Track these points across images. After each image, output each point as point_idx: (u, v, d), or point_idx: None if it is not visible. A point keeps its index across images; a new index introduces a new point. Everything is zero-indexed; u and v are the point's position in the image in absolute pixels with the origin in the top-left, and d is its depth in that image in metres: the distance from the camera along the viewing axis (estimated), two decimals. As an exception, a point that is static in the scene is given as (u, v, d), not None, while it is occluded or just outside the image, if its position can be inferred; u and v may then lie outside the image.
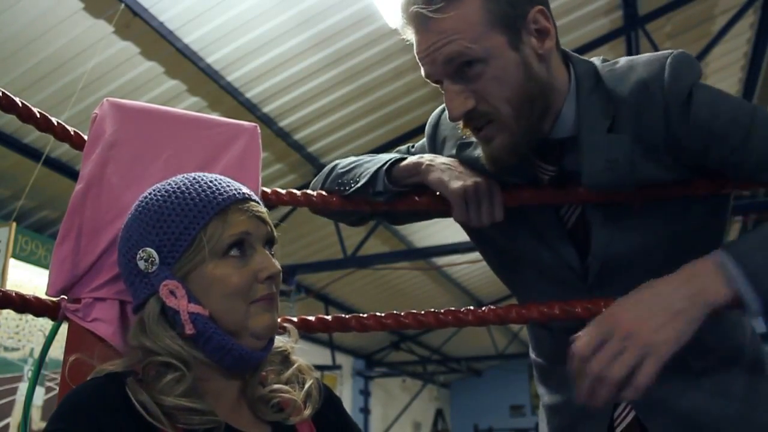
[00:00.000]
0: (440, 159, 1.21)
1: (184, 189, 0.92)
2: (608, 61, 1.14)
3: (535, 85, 1.05)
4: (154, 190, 0.94)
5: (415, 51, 1.08)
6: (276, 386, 0.95)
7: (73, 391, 0.84)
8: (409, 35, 1.08)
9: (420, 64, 1.08)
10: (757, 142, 1.01)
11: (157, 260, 0.89)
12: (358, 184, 1.23)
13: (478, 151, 1.15)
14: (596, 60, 1.14)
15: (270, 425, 0.94)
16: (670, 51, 1.07)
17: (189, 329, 0.87)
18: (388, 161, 1.23)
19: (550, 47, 1.07)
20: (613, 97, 1.06)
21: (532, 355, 1.35)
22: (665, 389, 1.05)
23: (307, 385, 0.97)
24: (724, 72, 5.97)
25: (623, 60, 1.11)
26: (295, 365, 0.99)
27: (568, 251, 1.15)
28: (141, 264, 0.89)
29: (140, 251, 0.89)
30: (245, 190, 0.94)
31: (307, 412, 0.95)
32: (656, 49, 4.95)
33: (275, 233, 0.95)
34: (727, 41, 5.25)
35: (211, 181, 0.93)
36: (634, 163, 1.05)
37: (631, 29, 5.13)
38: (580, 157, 1.08)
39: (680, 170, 1.08)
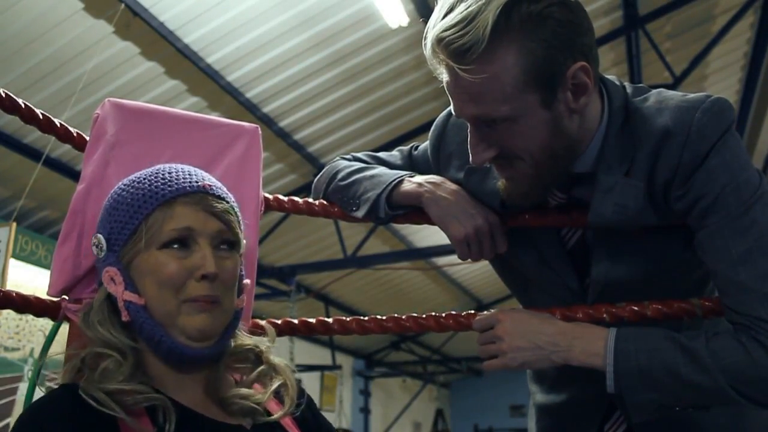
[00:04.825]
0: (441, 190, 1.18)
1: (142, 179, 0.93)
2: (638, 91, 1.09)
3: (561, 141, 1.02)
4: (124, 180, 0.96)
5: (444, 83, 1.02)
6: (243, 388, 0.94)
7: (30, 406, 0.84)
8: (437, 69, 1.00)
9: (449, 97, 1.04)
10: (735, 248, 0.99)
11: (105, 247, 0.92)
12: (360, 212, 1.23)
13: (487, 183, 1.15)
14: (627, 87, 1.09)
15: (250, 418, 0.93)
16: (704, 98, 1.01)
17: (124, 316, 0.89)
18: (387, 185, 1.21)
19: (585, 103, 1.01)
20: (635, 138, 1.03)
21: None
22: None
23: (273, 386, 0.96)
24: (724, 72, 5.98)
25: (654, 96, 1.06)
26: (267, 365, 0.98)
27: (566, 272, 1.16)
28: (94, 250, 0.93)
29: (93, 237, 0.94)
30: (206, 182, 0.93)
31: (281, 412, 0.94)
32: (656, 49, 4.98)
33: (237, 232, 0.93)
34: (727, 41, 5.25)
35: (170, 172, 0.93)
36: (642, 209, 1.04)
37: (631, 29, 5.13)
38: (592, 192, 1.07)
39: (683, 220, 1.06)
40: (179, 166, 0.96)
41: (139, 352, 0.89)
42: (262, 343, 1.00)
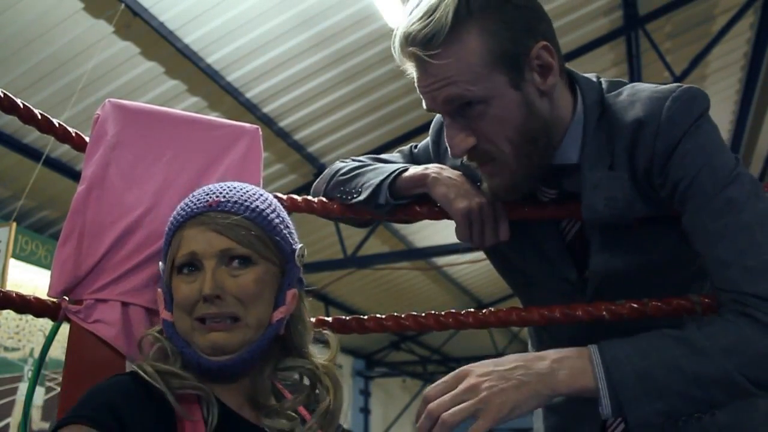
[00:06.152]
0: (447, 172, 1.19)
1: (182, 203, 0.96)
2: (615, 85, 1.11)
3: (536, 123, 1.03)
4: None
5: (415, 82, 1.05)
6: (287, 405, 0.95)
7: (98, 385, 0.87)
8: (408, 69, 1.05)
9: (421, 94, 1.06)
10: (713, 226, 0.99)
11: (161, 267, 0.96)
12: (360, 197, 1.22)
13: None
14: (603, 82, 1.11)
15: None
16: (674, 88, 1.03)
17: (164, 332, 0.93)
18: (391, 173, 1.21)
19: (553, 83, 1.03)
20: (613, 132, 1.05)
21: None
22: None
23: (317, 412, 0.95)
24: (724, 72, 5.97)
25: (627, 90, 1.08)
26: (318, 390, 0.97)
27: (565, 265, 1.16)
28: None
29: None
30: (217, 198, 0.92)
31: None
32: (656, 50, 4.98)
33: (253, 245, 0.91)
34: (727, 41, 5.24)
35: (194, 195, 0.95)
36: (631, 200, 1.05)
37: (631, 29, 5.13)
38: (580, 187, 1.07)
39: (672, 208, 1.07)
40: (211, 186, 0.96)
41: (184, 358, 0.92)
42: (317, 358, 0.99)
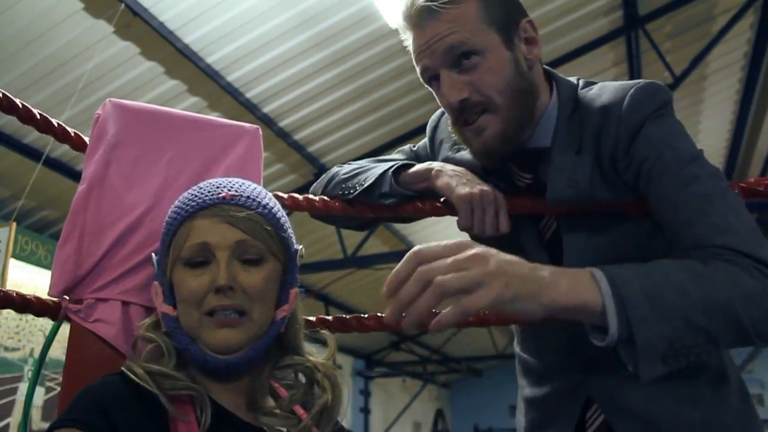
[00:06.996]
0: (449, 166, 1.22)
1: (182, 196, 0.96)
2: (589, 83, 1.19)
3: (524, 82, 1.12)
4: None
5: (414, 48, 1.13)
6: (281, 410, 0.93)
7: (88, 386, 0.86)
8: (409, 34, 1.13)
9: (418, 60, 1.13)
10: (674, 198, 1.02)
11: (155, 262, 0.95)
12: (363, 186, 1.24)
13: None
14: (581, 83, 1.19)
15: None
16: (639, 81, 1.12)
17: (163, 326, 0.92)
18: (394, 164, 1.25)
19: (537, 55, 1.15)
20: (584, 120, 1.13)
21: (517, 349, 1.36)
22: (635, 395, 1.10)
23: (313, 410, 0.94)
24: (724, 72, 5.97)
25: (598, 85, 1.17)
26: (316, 388, 0.96)
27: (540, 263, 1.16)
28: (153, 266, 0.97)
29: (154, 254, 0.97)
30: (230, 192, 0.93)
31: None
32: (656, 50, 4.99)
33: (266, 239, 0.92)
34: (727, 41, 5.24)
35: (201, 187, 0.95)
36: (593, 184, 1.11)
37: (631, 29, 5.13)
38: (549, 172, 1.13)
39: (636, 193, 1.11)
40: (218, 180, 0.96)
41: (181, 354, 0.91)
42: (316, 360, 0.98)
